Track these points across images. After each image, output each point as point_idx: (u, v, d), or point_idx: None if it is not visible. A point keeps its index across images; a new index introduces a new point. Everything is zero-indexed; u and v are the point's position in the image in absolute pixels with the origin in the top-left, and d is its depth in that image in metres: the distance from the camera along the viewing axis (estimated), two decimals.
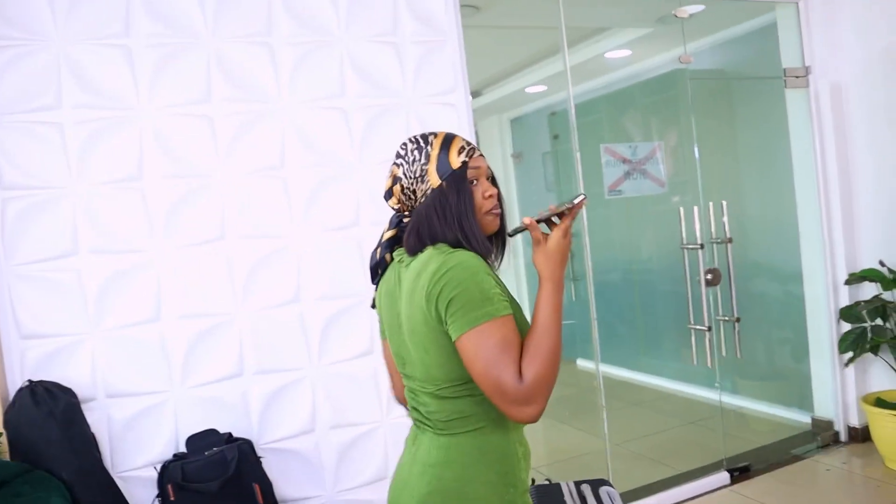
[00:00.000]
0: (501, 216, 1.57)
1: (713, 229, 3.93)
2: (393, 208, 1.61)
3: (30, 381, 2.45)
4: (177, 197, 2.70)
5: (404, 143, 1.58)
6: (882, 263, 3.95)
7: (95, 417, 2.56)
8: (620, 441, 4.20)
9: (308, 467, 2.88)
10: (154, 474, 2.61)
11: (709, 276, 3.85)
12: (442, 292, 1.39)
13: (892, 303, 3.80)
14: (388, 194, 1.59)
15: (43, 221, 2.53)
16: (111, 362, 2.61)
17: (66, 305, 2.56)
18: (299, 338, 2.88)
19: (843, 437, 4.23)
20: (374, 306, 1.70)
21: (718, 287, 3.91)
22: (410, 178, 1.53)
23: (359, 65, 3.00)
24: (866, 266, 4.07)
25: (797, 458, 4.04)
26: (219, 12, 2.78)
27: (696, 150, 4.02)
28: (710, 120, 4.67)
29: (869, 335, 3.87)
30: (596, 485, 2.48)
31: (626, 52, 5.01)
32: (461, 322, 1.37)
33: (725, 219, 3.90)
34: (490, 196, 1.53)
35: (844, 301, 4.11)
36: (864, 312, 3.91)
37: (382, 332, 1.70)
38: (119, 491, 2.52)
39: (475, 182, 1.53)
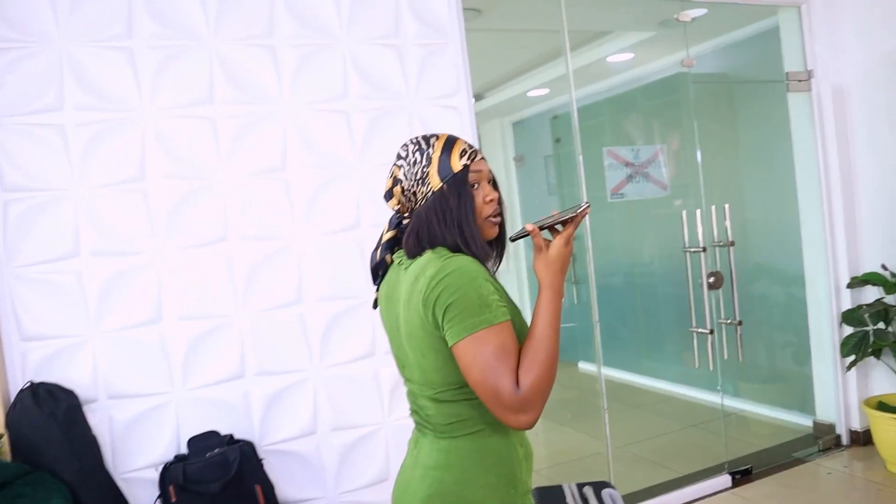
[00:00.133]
0: (502, 221, 1.57)
1: (715, 232, 3.93)
2: (393, 209, 1.61)
3: (31, 382, 2.45)
4: (178, 198, 2.71)
5: (405, 145, 1.57)
6: (884, 267, 3.95)
7: (97, 419, 2.57)
8: (622, 444, 4.20)
9: (309, 469, 2.88)
10: (155, 476, 2.61)
11: (711, 280, 3.84)
12: (439, 298, 1.38)
13: (894, 306, 3.80)
14: (389, 195, 1.59)
15: (44, 223, 2.53)
16: (112, 364, 2.61)
17: (67, 307, 2.56)
18: (300, 339, 2.88)
19: (844, 440, 4.22)
20: (375, 307, 1.70)
21: (720, 290, 3.91)
22: (411, 179, 1.53)
23: (361, 66, 3.00)
24: (868, 269, 4.07)
25: (799, 462, 4.04)
26: (220, 13, 2.78)
27: (698, 153, 4.02)
28: (712, 123, 4.67)
29: (871, 339, 3.86)
30: (598, 487, 2.48)
31: (628, 56, 5.02)
32: (458, 328, 1.37)
33: (728, 222, 3.90)
34: (491, 200, 1.53)
35: (846, 304, 4.11)
36: (866, 316, 3.90)
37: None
38: (120, 492, 2.52)
39: (476, 186, 1.52)
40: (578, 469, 4.22)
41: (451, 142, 1.54)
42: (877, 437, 3.85)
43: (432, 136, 1.57)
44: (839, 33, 4.12)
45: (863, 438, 4.14)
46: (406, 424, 2.98)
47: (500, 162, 6.72)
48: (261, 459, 2.71)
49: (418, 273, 1.45)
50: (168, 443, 2.68)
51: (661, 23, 4.27)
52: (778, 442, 4.30)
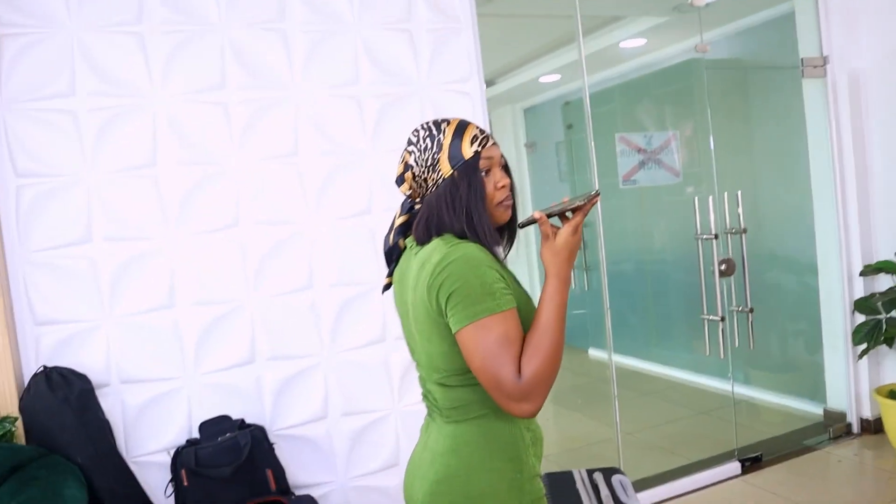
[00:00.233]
0: (513, 207, 1.56)
1: (728, 219, 3.90)
2: (404, 194, 1.60)
3: (45, 366, 2.47)
4: (191, 184, 2.71)
5: (416, 130, 1.56)
6: None
7: (109, 403, 2.59)
8: (632, 430, 4.20)
9: (320, 454, 2.90)
10: (167, 459, 2.63)
11: (723, 267, 3.82)
12: (443, 285, 1.38)
13: None
14: (400, 180, 1.58)
15: (57, 209, 2.55)
16: (125, 348, 2.63)
17: (80, 292, 2.57)
18: (312, 325, 2.89)
19: (855, 428, 4.20)
20: (384, 291, 1.70)
21: (732, 277, 3.89)
22: (422, 166, 1.52)
23: (372, 52, 2.99)
24: (882, 258, 4.04)
25: (809, 449, 4.02)
26: None
27: (711, 140, 3.99)
28: (725, 110, 4.63)
29: (884, 327, 3.84)
30: (608, 473, 2.48)
31: (641, 42, 4.98)
32: (461, 316, 1.36)
33: (740, 209, 3.87)
34: (502, 187, 1.51)
35: (859, 292, 4.09)
36: (879, 304, 3.88)
37: None
38: (133, 476, 2.54)
39: (487, 172, 1.50)
40: (588, 455, 4.22)
41: (461, 127, 1.52)
42: (888, 425, 3.84)
43: (443, 120, 1.55)
44: (856, 18, 4.07)
45: (874, 427, 4.12)
46: (416, 410, 3.00)
47: (512, 148, 6.69)
48: (272, 444, 2.73)
49: (424, 260, 1.45)
50: (180, 427, 2.70)
51: (675, 7, 4.23)
52: (788, 430, 4.28)
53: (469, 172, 1.48)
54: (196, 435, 2.69)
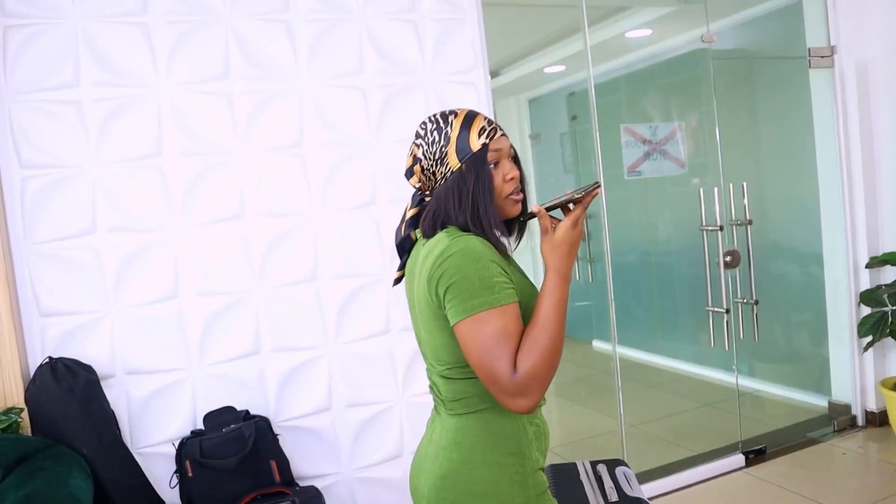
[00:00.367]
0: (524, 199, 1.54)
1: (733, 211, 3.89)
2: (414, 187, 1.59)
3: (50, 357, 2.48)
4: (194, 175, 2.71)
5: (424, 123, 1.55)
6: None
7: (114, 394, 2.59)
8: (636, 422, 4.20)
9: (324, 445, 2.90)
10: (172, 450, 2.64)
11: (728, 259, 3.81)
12: (442, 278, 1.38)
13: None
14: (409, 173, 1.57)
15: (61, 200, 2.55)
16: (130, 340, 2.63)
17: (84, 283, 2.57)
18: (316, 316, 2.89)
19: (860, 421, 4.20)
20: (395, 284, 1.69)
21: (737, 269, 3.88)
22: (430, 159, 1.51)
23: (377, 42, 2.98)
24: (888, 249, 4.03)
25: (813, 442, 4.02)
26: None
27: (717, 130, 3.97)
28: (732, 100, 4.60)
29: (889, 319, 3.83)
30: (612, 465, 2.48)
31: (647, 32, 4.95)
32: (458, 309, 1.36)
33: (746, 200, 3.86)
34: (511, 179, 1.49)
35: (865, 284, 4.07)
36: (885, 296, 3.87)
37: None
38: (138, 466, 2.55)
39: (496, 164, 1.49)
40: (592, 447, 4.23)
41: (469, 119, 1.51)
42: (893, 417, 3.83)
43: (451, 112, 1.54)
44: (864, 8, 4.04)
45: (878, 419, 4.12)
46: (420, 401, 3.01)
47: (517, 140, 6.67)
48: (276, 435, 2.73)
49: (428, 252, 1.45)
50: (184, 418, 2.70)
51: None
52: (792, 422, 4.28)
53: (477, 165, 1.46)
54: (201, 426, 2.70)
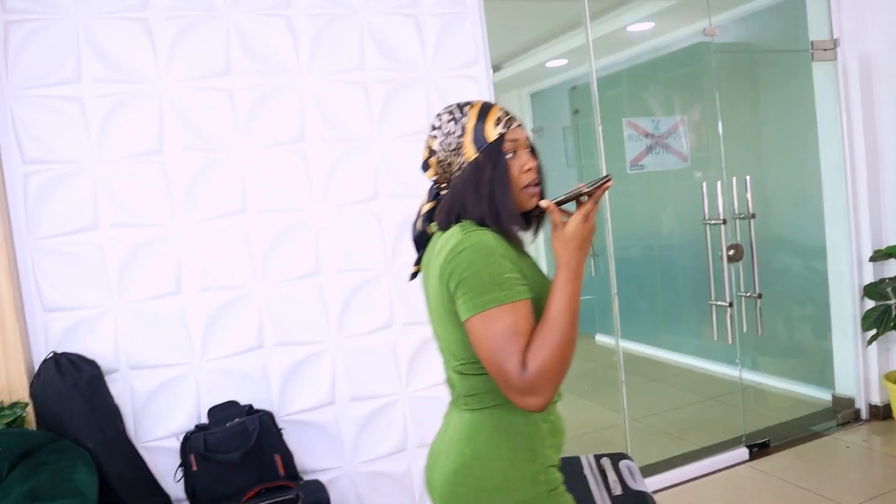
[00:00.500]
0: (541, 190, 1.51)
1: (736, 204, 3.88)
2: (430, 180, 1.57)
3: (54, 352, 2.49)
4: (196, 170, 2.71)
5: (439, 114, 1.54)
6: None
7: (118, 389, 2.60)
8: (640, 416, 4.20)
9: (328, 439, 2.91)
10: (177, 445, 2.65)
11: (731, 252, 3.81)
12: (453, 273, 1.37)
13: None
14: (425, 166, 1.56)
15: (64, 195, 2.55)
16: (133, 335, 2.64)
17: (88, 278, 2.58)
18: (319, 311, 2.89)
19: (863, 414, 4.20)
20: (411, 279, 1.68)
21: (740, 263, 3.88)
22: (446, 150, 1.49)
23: (378, 37, 2.97)
24: (892, 242, 4.02)
25: (817, 435, 4.02)
26: None
27: (719, 124, 3.96)
28: (734, 94, 4.59)
29: (893, 312, 3.82)
30: (616, 458, 2.48)
31: (649, 25, 4.93)
32: (468, 305, 1.35)
33: (749, 194, 3.85)
34: (528, 169, 1.47)
35: (869, 278, 4.07)
36: (888, 290, 3.86)
37: None
38: (142, 461, 2.56)
39: (513, 154, 1.47)
40: (596, 441, 4.23)
41: (485, 109, 1.49)
42: None
43: (467, 103, 1.52)
44: (866, 1, 4.02)
45: (882, 413, 4.11)
46: (424, 395, 3.01)
47: None
48: (280, 429, 2.74)
49: (441, 246, 1.44)
50: (189, 413, 2.71)
51: None
52: (796, 415, 4.28)
53: (493, 155, 1.45)
54: (205, 420, 2.71)
